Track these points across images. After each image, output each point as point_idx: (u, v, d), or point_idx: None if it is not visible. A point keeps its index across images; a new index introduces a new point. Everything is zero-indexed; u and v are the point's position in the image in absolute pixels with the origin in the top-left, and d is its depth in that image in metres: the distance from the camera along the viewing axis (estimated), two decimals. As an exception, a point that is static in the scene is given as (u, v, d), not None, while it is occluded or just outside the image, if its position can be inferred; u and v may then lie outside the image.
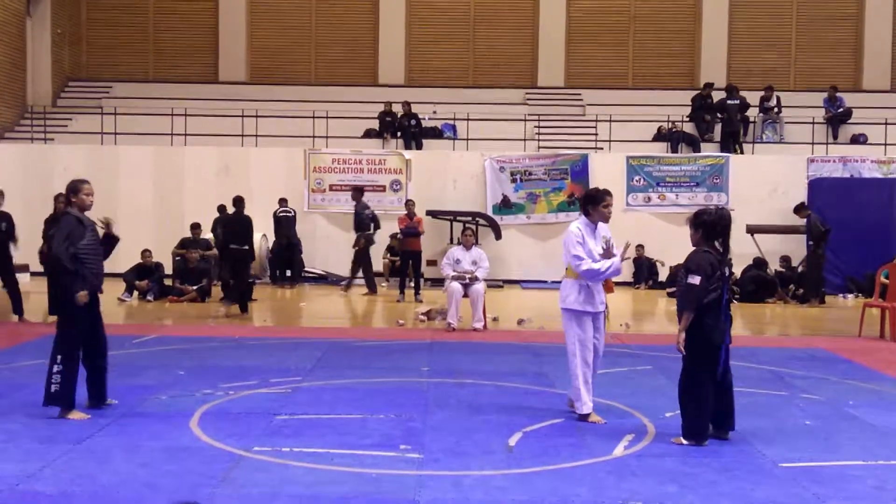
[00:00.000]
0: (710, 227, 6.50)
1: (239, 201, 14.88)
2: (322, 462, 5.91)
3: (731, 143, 21.69)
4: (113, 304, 14.87)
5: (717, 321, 6.43)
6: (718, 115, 22.19)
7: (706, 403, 6.47)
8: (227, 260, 14.90)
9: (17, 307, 12.93)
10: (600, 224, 7.40)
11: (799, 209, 17.97)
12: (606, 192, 7.29)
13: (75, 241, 7.07)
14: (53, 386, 6.98)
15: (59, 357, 7.02)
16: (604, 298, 7.49)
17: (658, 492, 5.43)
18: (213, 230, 17.08)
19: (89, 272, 7.11)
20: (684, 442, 6.48)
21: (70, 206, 7.32)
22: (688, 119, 22.53)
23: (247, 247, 14.47)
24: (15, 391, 7.90)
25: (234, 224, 14.77)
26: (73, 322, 7.08)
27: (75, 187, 7.28)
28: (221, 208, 18.76)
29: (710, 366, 6.47)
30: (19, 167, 20.45)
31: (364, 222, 17.96)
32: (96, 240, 7.27)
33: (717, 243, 6.54)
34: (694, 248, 6.61)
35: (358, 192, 18.42)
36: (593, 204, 7.31)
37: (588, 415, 7.19)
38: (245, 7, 26.23)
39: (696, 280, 6.35)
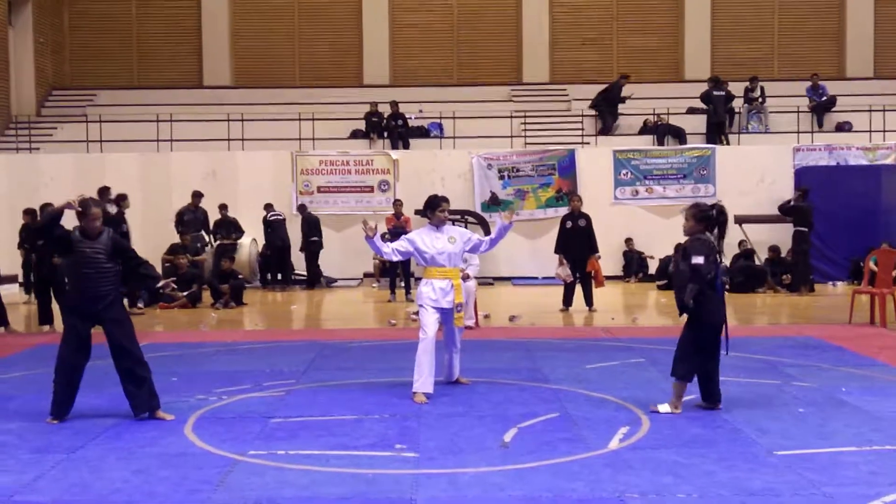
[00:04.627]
0: (709, 221, 7.25)
1: (304, 207, 19.65)
2: (318, 464, 5.90)
3: (717, 134, 21.73)
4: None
5: (713, 301, 7.14)
6: (704, 106, 22.23)
7: (695, 367, 7.25)
8: (308, 249, 19.16)
9: (1, 319, 12.85)
10: (448, 227, 8.20)
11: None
12: (444, 199, 8.14)
13: (62, 251, 7.16)
14: (52, 395, 7.18)
15: (55, 367, 7.21)
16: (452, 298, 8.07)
17: (655, 483, 5.44)
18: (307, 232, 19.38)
19: (80, 295, 7.11)
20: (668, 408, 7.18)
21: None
22: (675, 113, 22.57)
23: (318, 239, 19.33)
24: (6, 402, 7.86)
25: (311, 222, 19.24)
26: (62, 336, 7.28)
27: (84, 211, 7.12)
28: (223, 206, 18.90)
29: (711, 343, 7.20)
30: (5, 177, 20.36)
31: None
32: (92, 262, 7.11)
33: (709, 234, 7.24)
34: (689, 236, 7.28)
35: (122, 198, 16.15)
36: (432, 209, 8.09)
37: (415, 393, 7.78)
38: (227, 11, 26.15)
39: (700, 260, 7.01)
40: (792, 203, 17.85)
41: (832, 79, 24.60)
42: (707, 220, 7.22)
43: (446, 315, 8.14)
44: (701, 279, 7.03)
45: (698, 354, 7.19)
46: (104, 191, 15.28)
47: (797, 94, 23.25)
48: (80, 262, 7.13)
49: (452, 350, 8.42)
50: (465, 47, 26.45)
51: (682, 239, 7.41)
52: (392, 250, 8.07)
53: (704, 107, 22.23)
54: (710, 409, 7.28)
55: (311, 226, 19.18)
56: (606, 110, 22.61)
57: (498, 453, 6.14)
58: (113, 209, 14.68)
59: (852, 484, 5.42)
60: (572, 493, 5.29)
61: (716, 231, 7.27)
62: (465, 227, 19.06)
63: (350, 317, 14.83)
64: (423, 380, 7.76)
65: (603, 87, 22.99)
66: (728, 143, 21.62)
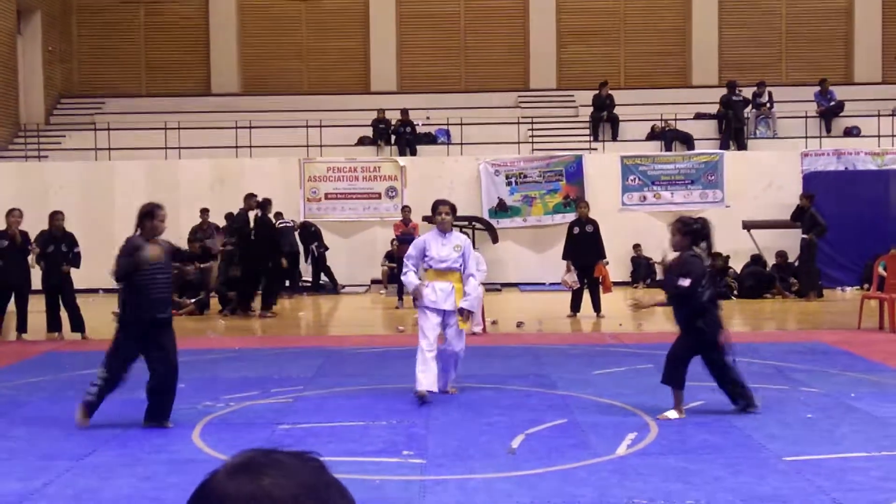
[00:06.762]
0: (697, 234, 7.24)
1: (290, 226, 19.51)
2: (325, 470, 5.89)
3: (736, 139, 21.66)
4: (108, 318, 14.80)
5: (714, 316, 7.19)
6: (713, 112, 22.17)
7: (685, 375, 7.26)
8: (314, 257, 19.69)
9: (78, 325, 12.96)
10: (456, 234, 8.39)
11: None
12: (442, 202, 8.30)
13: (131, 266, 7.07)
14: (88, 396, 7.03)
15: (103, 372, 7.02)
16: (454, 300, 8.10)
17: (662, 490, 5.42)
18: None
19: (145, 299, 7.05)
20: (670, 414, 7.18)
21: (139, 230, 7.26)
22: (677, 118, 22.54)
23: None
24: (16, 409, 7.89)
25: (308, 233, 19.74)
26: (120, 343, 7.12)
27: (151, 212, 7.20)
28: (229, 216, 18.97)
29: (718, 356, 7.23)
30: (14, 185, 20.40)
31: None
32: (158, 266, 7.13)
33: (698, 247, 7.25)
34: (679, 251, 7.28)
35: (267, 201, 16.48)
36: (432, 212, 8.34)
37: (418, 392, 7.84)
38: (235, 18, 26.22)
39: (686, 283, 7.02)
40: (800, 207, 17.70)
41: (840, 84, 24.50)
42: (693, 233, 7.23)
43: (447, 318, 8.12)
44: (682, 300, 7.12)
45: (686, 364, 7.25)
46: (250, 196, 15.75)
47: (805, 98, 23.19)
48: (154, 268, 7.11)
49: (450, 358, 8.38)
50: (473, 54, 26.46)
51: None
52: (413, 272, 8.27)
53: (712, 112, 22.20)
54: (749, 412, 7.26)
55: (311, 236, 19.43)
56: (598, 117, 22.62)
57: (506, 459, 6.14)
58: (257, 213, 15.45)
59: (862, 490, 5.40)
60: (580, 499, 5.28)
61: (703, 244, 7.25)
62: (473, 233, 19.17)
63: (358, 323, 14.84)
64: (425, 377, 7.80)
65: (595, 92, 23.04)
66: (745, 148, 21.56)
